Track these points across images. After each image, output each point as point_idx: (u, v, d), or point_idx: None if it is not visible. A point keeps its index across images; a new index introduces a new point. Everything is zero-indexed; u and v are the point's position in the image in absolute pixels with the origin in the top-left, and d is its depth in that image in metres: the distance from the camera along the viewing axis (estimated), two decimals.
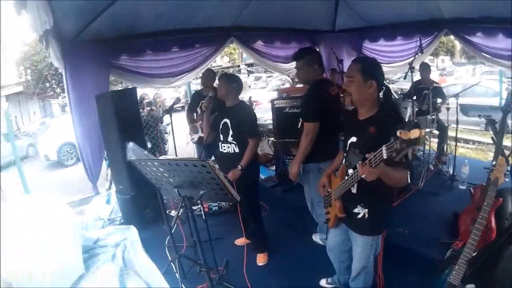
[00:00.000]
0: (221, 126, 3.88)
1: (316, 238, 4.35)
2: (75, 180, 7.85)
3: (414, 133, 1.81)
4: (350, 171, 2.48)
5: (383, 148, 1.93)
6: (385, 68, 7.09)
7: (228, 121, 3.83)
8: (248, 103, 6.34)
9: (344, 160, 2.66)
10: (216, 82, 4.99)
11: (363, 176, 2.14)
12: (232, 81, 3.91)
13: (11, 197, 4.77)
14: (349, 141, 2.59)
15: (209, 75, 5.68)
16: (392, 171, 2.15)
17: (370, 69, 2.49)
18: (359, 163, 2.13)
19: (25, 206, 3.93)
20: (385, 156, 1.93)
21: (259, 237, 4.16)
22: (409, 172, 2.32)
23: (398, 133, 1.83)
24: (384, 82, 2.93)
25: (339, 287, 3.35)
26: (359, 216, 2.57)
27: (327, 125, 3.55)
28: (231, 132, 3.81)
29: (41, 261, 3.36)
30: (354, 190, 2.56)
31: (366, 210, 2.54)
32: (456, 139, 5.89)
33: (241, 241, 4.39)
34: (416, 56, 5.62)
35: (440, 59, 38.49)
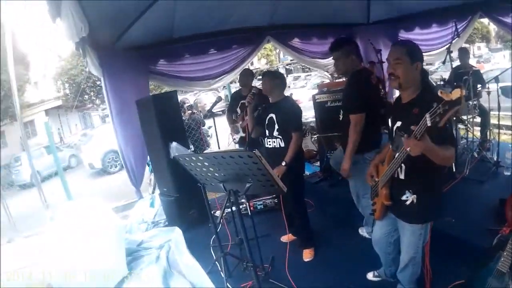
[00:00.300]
0: (266, 121, 3.91)
1: (363, 231, 4.29)
2: (119, 187, 8.01)
3: (456, 93, 1.79)
4: (397, 155, 2.45)
5: (427, 115, 1.93)
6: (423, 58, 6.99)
7: (273, 115, 3.86)
8: None
9: (390, 146, 2.63)
10: (254, 82, 5.02)
11: (408, 149, 2.12)
12: (276, 77, 3.98)
13: (54, 204, 4.96)
14: (395, 127, 2.57)
15: (246, 74, 5.66)
16: (438, 147, 2.13)
17: (416, 51, 2.49)
18: (404, 136, 2.12)
19: (67, 210, 4.02)
20: (429, 123, 1.93)
21: (305, 233, 4.13)
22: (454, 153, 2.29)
23: (439, 92, 1.83)
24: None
25: (386, 279, 3.29)
26: (407, 203, 2.53)
27: (370, 115, 3.50)
28: (276, 127, 3.83)
29: (83, 262, 3.42)
30: (402, 176, 2.54)
31: (415, 196, 2.50)
32: (499, 124, 5.74)
33: (286, 238, 4.36)
34: (453, 41, 5.50)
35: (476, 46, 37.64)
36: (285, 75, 4.18)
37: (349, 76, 3.72)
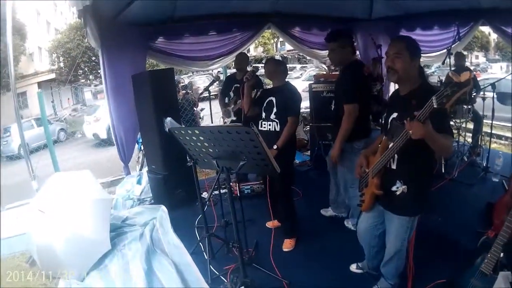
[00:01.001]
0: (265, 104, 3.90)
1: (348, 223, 4.31)
2: (113, 161, 7.93)
3: (465, 76, 1.83)
4: (391, 144, 2.45)
5: (433, 97, 1.95)
6: (421, 58, 6.98)
7: (273, 99, 3.84)
8: None
9: (385, 136, 2.63)
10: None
11: (410, 132, 2.13)
12: (280, 64, 4.03)
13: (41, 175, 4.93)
14: (391, 118, 2.56)
15: (243, 58, 5.65)
16: (438, 135, 2.14)
17: (415, 47, 2.51)
18: (407, 120, 2.13)
19: (54, 182, 3.99)
20: (435, 105, 1.96)
21: (289, 222, 4.10)
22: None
23: (450, 73, 1.85)
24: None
25: (369, 272, 3.30)
26: (398, 193, 2.54)
27: (361, 105, 3.59)
28: (275, 110, 3.81)
29: (66, 234, 3.44)
30: (393, 166, 2.55)
31: (405, 187, 2.51)
32: (491, 131, 5.83)
33: (271, 224, 4.36)
34: (454, 44, 5.53)
35: (474, 55, 37.90)
36: None
37: (343, 67, 3.82)
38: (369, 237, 3.03)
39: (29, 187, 5.08)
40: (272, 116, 3.84)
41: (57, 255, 3.37)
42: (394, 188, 2.56)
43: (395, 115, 2.53)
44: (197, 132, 2.58)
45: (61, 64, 28.09)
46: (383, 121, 2.74)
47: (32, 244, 3.61)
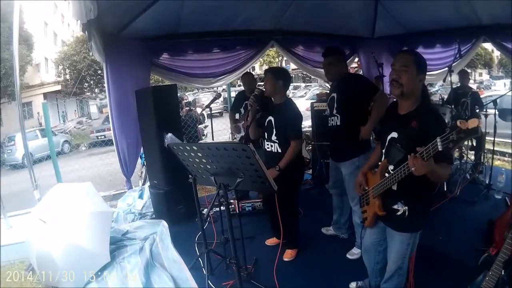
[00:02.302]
0: (266, 124, 3.88)
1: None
2: (115, 174, 7.94)
3: (473, 123, 1.80)
4: (391, 167, 2.45)
5: (438, 139, 1.91)
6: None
7: (272, 119, 3.81)
8: None
9: (383, 156, 2.61)
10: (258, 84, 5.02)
11: (413, 169, 2.11)
12: (279, 77, 3.84)
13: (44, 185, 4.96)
14: (389, 137, 2.54)
15: (250, 80, 5.65)
16: (439, 168, 2.14)
17: (423, 62, 2.45)
18: (411, 155, 2.10)
19: (57, 192, 4.00)
20: (440, 148, 1.91)
21: (293, 233, 4.07)
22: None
23: (458, 122, 1.81)
24: None
25: None
26: (399, 213, 2.52)
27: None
28: (274, 131, 3.79)
29: (66, 245, 3.43)
30: (394, 187, 2.50)
31: (407, 207, 2.48)
32: (494, 148, 5.81)
33: (271, 241, 4.36)
34: (455, 61, 5.54)
35: (478, 73, 37.99)
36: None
37: (339, 79, 3.89)
38: (374, 252, 3.00)
39: (31, 197, 5.10)
40: (273, 137, 3.81)
41: (56, 265, 3.36)
42: (395, 207, 2.54)
43: (394, 134, 2.50)
44: (195, 148, 2.59)
45: (67, 76, 28.36)
46: (379, 136, 2.73)
47: (31, 253, 3.61)
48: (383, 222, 2.75)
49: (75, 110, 31.48)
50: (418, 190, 2.42)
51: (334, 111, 3.86)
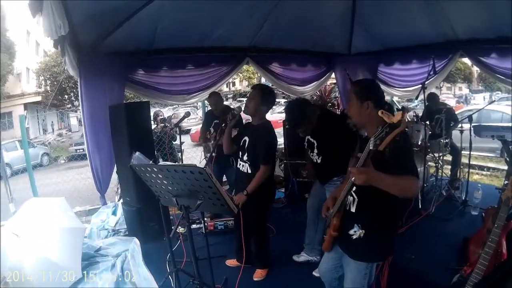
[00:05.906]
0: (241, 143, 3.84)
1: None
2: (87, 191, 7.86)
3: (397, 116, 1.80)
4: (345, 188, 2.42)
5: (371, 139, 1.92)
6: (400, 93, 7.10)
7: (247, 139, 3.78)
8: None
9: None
10: (226, 102, 5.00)
11: (352, 179, 2.08)
12: (265, 102, 3.76)
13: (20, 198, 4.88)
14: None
15: (217, 101, 5.72)
16: (389, 176, 2.05)
17: (366, 91, 2.43)
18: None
19: (30, 207, 3.97)
20: (371, 147, 1.91)
21: (262, 255, 4.07)
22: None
23: (380, 112, 1.82)
24: (385, 101, 2.89)
25: None
26: (354, 237, 2.44)
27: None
28: (246, 152, 3.77)
29: (37, 259, 3.40)
30: (353, 209, 2.46)
31: (362, 231, 2.40)
32: (469, 163, 5.85)
33: (231, 262, 4.32)
34: (430, 78, 5.59)
35: (457, 87, 38.61)
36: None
37: (316, 126, 3.77)
38: (330, 279, 2.87)
39: (6, 209, 5.06)
40: (245, 158, 3.78)
41: (28, 280, 3.31)
42: (351, 232, 2.45)
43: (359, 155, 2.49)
44: (155, 169, 2.55)
45: (48, 88, 28.07)
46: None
47: (5, 266, 3.53)
48: (339, 247, 2.65)
49: (52, 122, 31.12)
50: (377, 214, 2.37)
51: (316, 151, 3.80)
